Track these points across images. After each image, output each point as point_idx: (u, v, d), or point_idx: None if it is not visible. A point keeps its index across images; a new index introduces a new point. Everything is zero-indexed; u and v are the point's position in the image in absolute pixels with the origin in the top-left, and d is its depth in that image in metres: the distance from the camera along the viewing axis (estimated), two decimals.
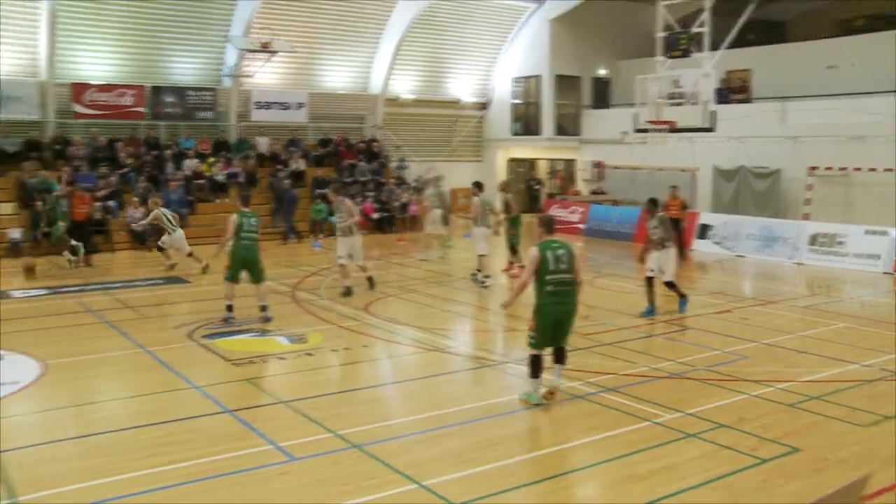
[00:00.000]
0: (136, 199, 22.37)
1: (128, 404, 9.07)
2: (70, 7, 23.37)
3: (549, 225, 8.61)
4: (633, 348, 11.19)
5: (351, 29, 28.58)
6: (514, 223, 17.62)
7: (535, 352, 8.50)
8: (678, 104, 21.50)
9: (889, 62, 22.42)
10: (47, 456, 7.33)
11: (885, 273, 18.18)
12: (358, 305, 14.02)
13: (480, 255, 16.30)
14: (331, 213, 16.91)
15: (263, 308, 12.91)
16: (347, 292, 14.85)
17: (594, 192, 29.63)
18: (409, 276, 17.72)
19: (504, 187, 18.38)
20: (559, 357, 8.69)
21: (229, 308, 12.86)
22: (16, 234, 17.03)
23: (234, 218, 12.98)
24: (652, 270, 13.10)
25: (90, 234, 19.53)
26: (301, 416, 8.22)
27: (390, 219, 26.66)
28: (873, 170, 21.28)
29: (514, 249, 17.51)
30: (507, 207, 17.83)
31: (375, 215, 26.33)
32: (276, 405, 8.65)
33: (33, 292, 15.30)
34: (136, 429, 7.95)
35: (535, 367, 8.48)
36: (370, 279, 15.58)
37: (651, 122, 21.93)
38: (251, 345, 11.43)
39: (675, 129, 21.74)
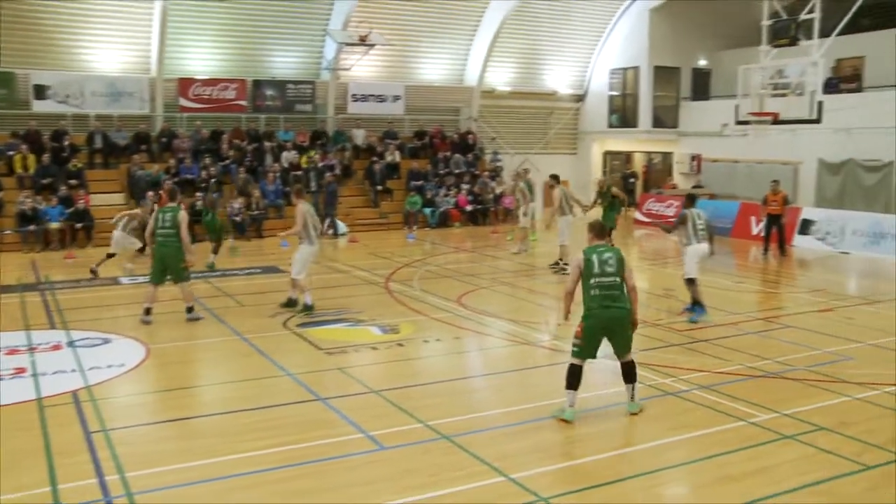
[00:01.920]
0: (235, 190, 23.05)
1: (225, 389, 9.36)
2: (180, 5, 24.26)
3: (598, 230, 8.37)
4: (728, 346, 10.88)
5: (447, 21, 28.73)
6: (613, 209, 17.94)
7: (576, 361, 7.91)
8: (782, 95, 20.81)
9: None
10: (152, 436, 7.65)
11: None
12: (450, 297, 14.09)
13: (562, 245, 16.90)
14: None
15: (189, 310, 12.29)
16: (289, 303, 13.02)
17: (694, 187, 28.95)
18: (502, 268, 17.70)
19: (602, 185, 18.44)
20: (629, 375, 8.12)
21: (147, 311, 12.04)
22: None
23: (154, 214, 12.36)
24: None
25: None
26: (391, 406, 8.31)
27: (484, 211, 26.69)
28: None
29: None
30: (612, 197, 17.97)
31: (469, 207, 26.41)
32: (367, 394, 8.76)
33: (140, 279, 15.90)
34: (234, 413, 8.20)
35: (575, 377, 7.92)
36: (290, 299, 13.07)
37: (753, 114, 21.30)
38: (344, 334, 11.61)
39: (778, 121, 21.05)
